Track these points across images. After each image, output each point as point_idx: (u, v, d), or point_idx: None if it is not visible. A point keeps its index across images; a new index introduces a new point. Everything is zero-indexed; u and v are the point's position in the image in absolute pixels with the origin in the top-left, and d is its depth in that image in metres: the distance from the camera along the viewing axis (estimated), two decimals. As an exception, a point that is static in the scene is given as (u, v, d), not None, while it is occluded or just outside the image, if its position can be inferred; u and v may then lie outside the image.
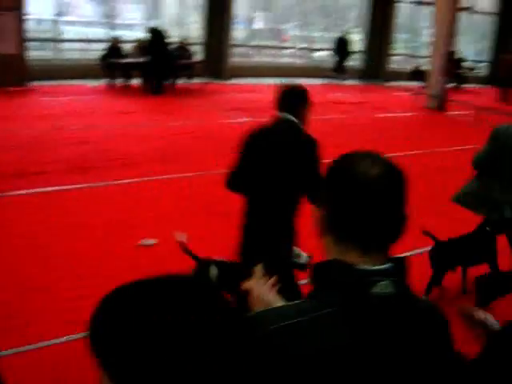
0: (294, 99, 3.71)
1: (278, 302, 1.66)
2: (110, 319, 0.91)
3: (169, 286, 0.94)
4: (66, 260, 5.13)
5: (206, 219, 6.36)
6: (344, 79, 20.43)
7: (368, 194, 1.30)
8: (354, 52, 22.21)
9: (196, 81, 16.34)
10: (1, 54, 13.23)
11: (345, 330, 1.25)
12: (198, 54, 18.38)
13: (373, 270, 1.29)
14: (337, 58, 21.53)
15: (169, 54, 15.08)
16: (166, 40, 15.15)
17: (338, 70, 21.27)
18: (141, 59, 14.78)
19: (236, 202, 6.77)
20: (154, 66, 14.51)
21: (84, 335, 0.92)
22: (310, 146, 3.63)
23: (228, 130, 11.19)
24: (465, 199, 4.90)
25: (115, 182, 7.35)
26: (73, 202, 6.61)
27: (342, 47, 21.52)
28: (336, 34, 21.94)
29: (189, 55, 16.73)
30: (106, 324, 0.91)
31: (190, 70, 16.38)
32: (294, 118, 3.66)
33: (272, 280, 1.79)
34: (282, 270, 2.88)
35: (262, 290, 1.73)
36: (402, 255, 1.36)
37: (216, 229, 6.09)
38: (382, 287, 1.27)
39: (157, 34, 14.86)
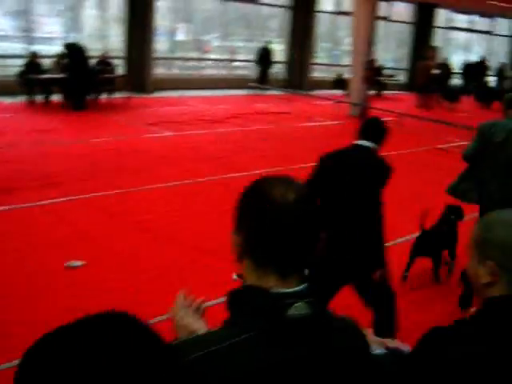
0: (378, 130, 4.16)
1: (202, 328, 1.65)
2: (36, 371, 0.89)
3: (94, 328, 0.93)
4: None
5: (133, 237, 6.27)
6: (267, 89, 20.61)
7: (283, 219, 1.32)
8: (276, 62, 22.47)
9: (119, 95, 16.09)
10: None
11: (263, 354, 1.27)
12: (120, 67, 18.16)
13: (288, 292, 1.32)
14: (260, 69, 21.75)
15: (88, 69, 14.84)
16: (85, 54, 14.90)
17: (262, 80, 21.46)
18: (60, 75, 14.47)
19: (162, 219, 6.75)
20: (72, 81, 14.24)
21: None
22: (387, 170, 4.00)
23: (152, 145, 11.11)
24: (456, 191, 5.41)
25: (37, 203, 7.14)
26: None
27: (264, 57, 21.76)
28: (258, 44, 22.18)
29: (111, 69, 16.50)
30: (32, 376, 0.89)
31: (112, 85, 16.11)
32: (371, 145, 4.04)
33: (196, 303, 1.77)
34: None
35: (185, 316, 1.71)
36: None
37: (142, 245, 6.03)
38: (298, 309, 1.29)
39: (74, 49, 14.61)
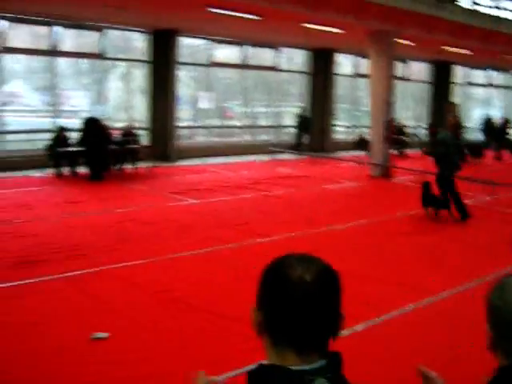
0: None
1: None
2: None
3: None
4: (18, 359, 5.01)
5: (157, 307, 6.32)
6: (288, 153, 20.86)
7: (299, 300, 1.37)
8: (308, 127, 22.88)
9: (143, 165, 16.46)
10: None
11: None
12: (144, 137, 18.59)
13: (308, 369, 1.35)
14: (297, 134, 22.23)
15: (105, 141, 15.30)
16: (102, 127, 15.42)
17: (298, 145, 21.83)
18: (81, 147, 14.93)
19: (186, 288, 6.80)
20: (89, 153, 14.69)
21: None
22: None
23: (176, 213, 11.26)
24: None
25: (63, 275, 7.25)
26: (20, 299, 6.49)
27: (302, 123, 22.23)
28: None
29: (135, 140, 16.90)
30: None
31: (136, 155, 16.50)
32: None
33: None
34: None
35: None
36: (336, 350, 1.43)
37: (166, 315, 6.06)
38: None
39: (92, 123, 15.08)
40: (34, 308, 6.20)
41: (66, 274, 7.28)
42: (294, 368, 1.34)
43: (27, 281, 7.03)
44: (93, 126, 15.06)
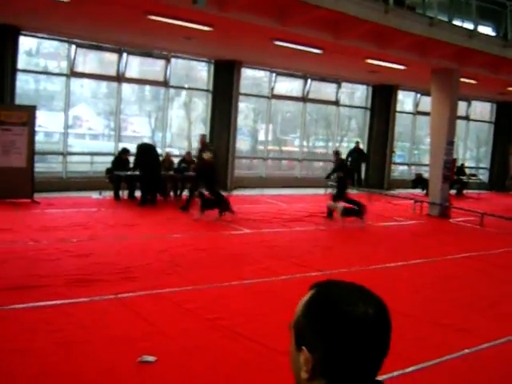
0: None
1: None
2: None
3: None
4: (65, 377, 5.01)
5: (205, 334, 6.26)
6: (358, 189, 20.74)
7: (368, 338, 1.28)
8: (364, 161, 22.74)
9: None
10: (11, 167, 13.58)
11: None
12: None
13: None
14: (351, 169, 22.10)
15: (158, 168, 15.55)
16: (157, 153, 15.74)
17: (356, 181, 21.70)
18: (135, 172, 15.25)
19: (237, 317, 6.73)
20: (142, 179, 14.94)
21: None
22: None
23: (229, 242, 11.25)
24: None
25: (114, 296, 7.29)
26: (72, 316, 6.53)
27: (358, 158, 22.10)
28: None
29: (194, 168, 17.04)
30: None
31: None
32: None
33: None
34: None
35: None
36: (381, 379, 1.35)
37: (214, 343, 5.99)
38: None
39: (146, 149, 15.37)
40: (84, 326, 6.23)
41: (118, 296, 7.32)
42: None
43: (80, 299, 7.09)
44: (147, 152, 15.29)
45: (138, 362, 5.36)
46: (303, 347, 1.32)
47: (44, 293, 7.27)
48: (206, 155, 14.31)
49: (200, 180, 14.32)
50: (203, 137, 15.91)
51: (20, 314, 6.55)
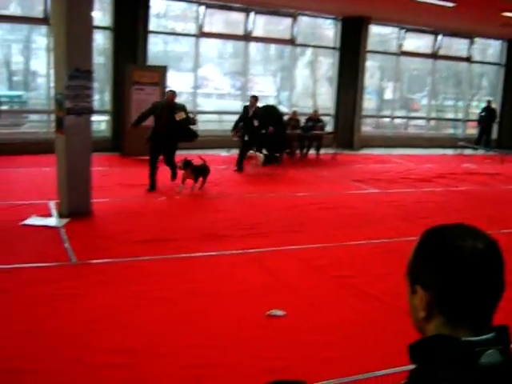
0: None
1: None
2: None
3: None
4: (197, 323, 5.25)
5: (331, 291, 6.29)
6: (475, 149, 19.83)
7: (479, 271, 1.29)
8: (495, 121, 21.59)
9: (326, 151, 16.53)
10: (144, 126, 14.13)
11: None
12: (328, 124, 18.64)
13: (478, 340, 1.28)
14: (480, 129, 21.10)
15: (283, 127, 15.60)
16: (280, 114, 15.88)
17: (479, 140, 20.72)
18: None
19: (363, 276, 6.70)
20: (266, 138, 14.99)
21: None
22: None
23: (356, 201, 11.16)
24: None
25: (243, 251, 7.48)
26: (204, 270, 6.78)
27: (488, 117, 21.02)
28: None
29: (320, 126, 16.95)
30: None
31: (320, 141, 16.60)
32: None
33: None
34: None
35: None
36: (504, 324, 1.35)
37: (340, 300, 6.01)
38: (490, 357, 1.25)
39: (270, 109, 15.51)
40: (215, 279, 6.45)
41: (247, 251, 7.50)
42: (465, 339, 1.27)
43: (211, 253, 7.34)
44: (271, 113, 15.33)
45: (268, 316, 5.48)
46: (417, 286, 1.37)
47: (177, 245, 7.59)
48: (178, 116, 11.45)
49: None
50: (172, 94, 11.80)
51: (158, 264, 6.89)
